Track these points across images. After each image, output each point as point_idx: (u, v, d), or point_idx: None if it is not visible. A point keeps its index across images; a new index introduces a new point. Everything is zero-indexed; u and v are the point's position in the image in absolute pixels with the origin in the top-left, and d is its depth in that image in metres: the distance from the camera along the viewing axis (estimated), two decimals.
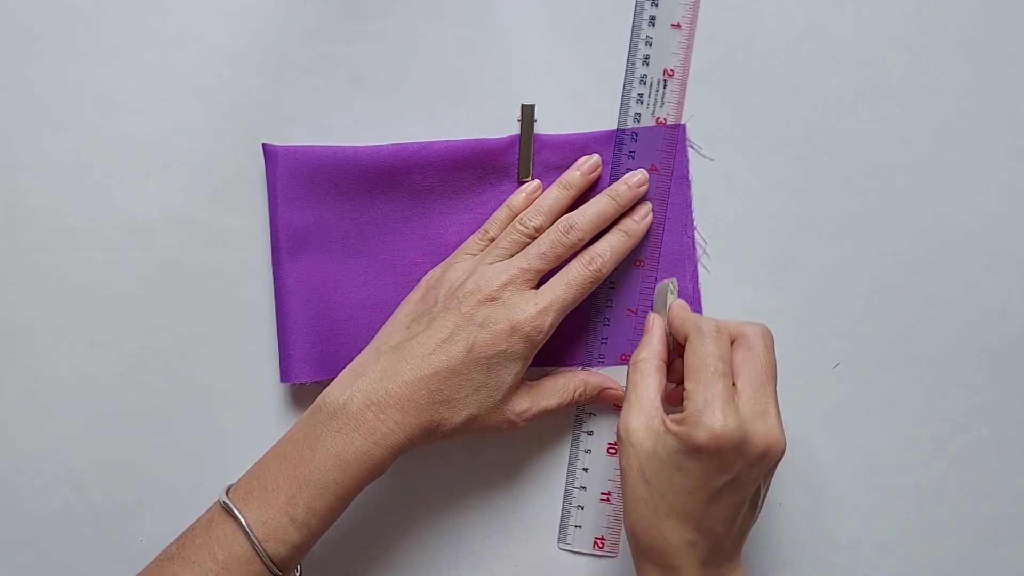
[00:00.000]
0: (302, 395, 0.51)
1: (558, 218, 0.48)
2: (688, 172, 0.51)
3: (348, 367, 0.46)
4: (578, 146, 0.50)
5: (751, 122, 0.51)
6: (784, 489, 0.51)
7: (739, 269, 0.51)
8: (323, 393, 0.45)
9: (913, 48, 0.51)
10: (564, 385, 0.49)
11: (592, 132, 0.50)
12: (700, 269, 0.51)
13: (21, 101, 0.51)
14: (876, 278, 0.51)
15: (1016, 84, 0.51)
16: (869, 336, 0.51)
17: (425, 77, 0.51)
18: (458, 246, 0.50)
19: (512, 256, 0.47)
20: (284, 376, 0.50)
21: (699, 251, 0.51)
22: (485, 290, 0.45)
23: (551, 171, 0.51)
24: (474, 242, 0.49)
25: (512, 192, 0.50)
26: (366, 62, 0.51)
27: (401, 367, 0.44)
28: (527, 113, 0.50)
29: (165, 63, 0.51)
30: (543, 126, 0.51)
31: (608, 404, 0.51)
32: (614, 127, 0.50)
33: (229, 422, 0.51)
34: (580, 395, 0.49)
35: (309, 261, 0.50)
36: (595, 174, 0.50)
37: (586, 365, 0.51)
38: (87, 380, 0.51)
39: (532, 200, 0.49)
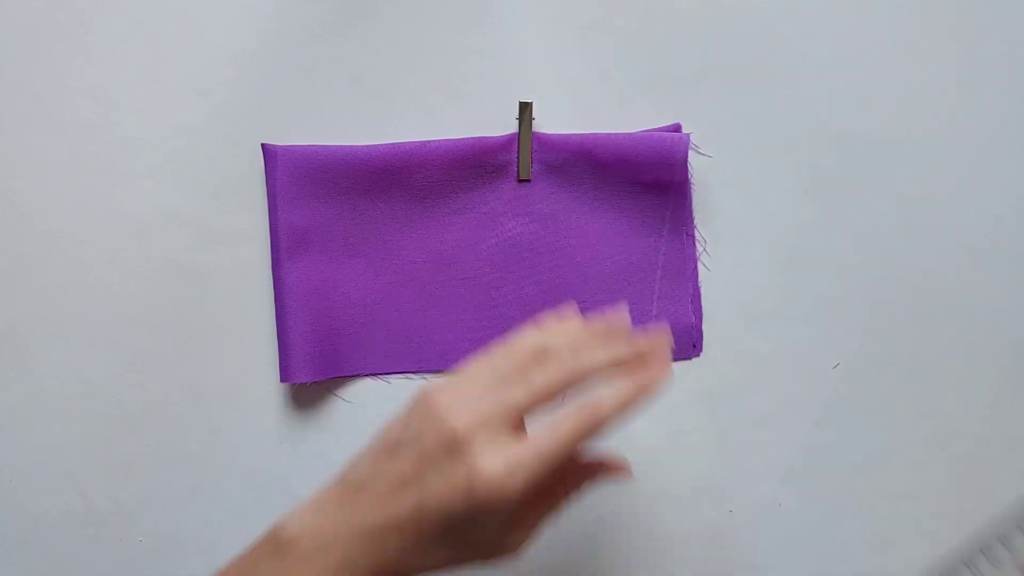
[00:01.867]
0: (301, 395, 0.51)
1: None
2: (688, 172, 0.51)
3: (313, 496, 0.40)
4: (578, 147, 0.50)
5: (751, 122, 0.51)
6: (784, 489, 0.51)
7: (739, 269, 0.51)
8: (281, 520, 0.39)
9: (913, 48, 0.51)
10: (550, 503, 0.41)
11: (592, 133, 0.50)
12: (700, 268, 0.51)
13: (21, 101, 0.51)
14: (876, 278, 0.51)
15: (1016, 84, 0.51)
16: (869, 336, 0.51)
17: (425, 76, 0.51)
18: (457, 246, 0.50)
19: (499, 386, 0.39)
20: (283, 376, 0.50)
21: (699, 251, 0.51)
22: (455, 431, 0.37)
23: (551, 171, 0.51)
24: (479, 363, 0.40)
25: (512, 191, 0.50)
26: (366, 61, 0.51)
27: (356, 511, 0.38)
28: (525, 110, 0.50)
29: (165, 63, 0.51)
30: (544, 126, 0.51)
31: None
32: (614, 128, 0.50)
33: (229, 422, 0.51)
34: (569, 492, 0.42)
35: (309, 261, 0.50)
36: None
37: None
38: (87, 380, 0.51)
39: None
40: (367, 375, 0.51)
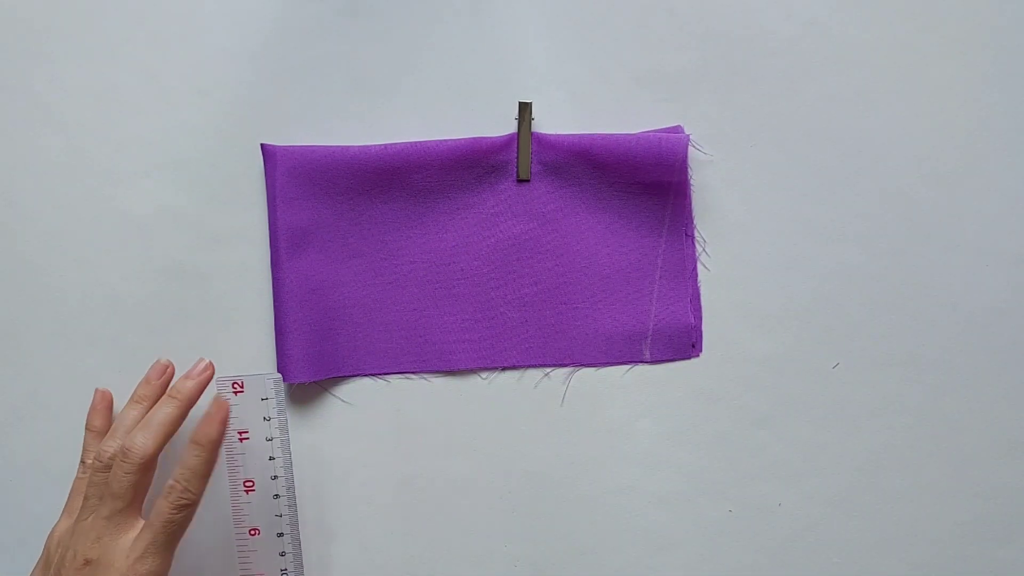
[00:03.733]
0: (300, 395, 0.51)
1: None
2: (688, 174, 0.51)
3: None
4: (577, 147, 0.50)
5: (751, 122, 0.51)
6: (784, 489, 0.51)
7: (739, 269, 0.51)
8: None
9: (913, 48, 0.51)
10: None
11: (592, 134, 0.50)
12: (700, 269, 0.51)
13: (21, 101, 0.51)
14: (876, 278, 0.51)
15: (1016, 84, 0.51)
16: (869, 336, 0.51)
17: (425, 76, 0.51)
18: (457, 246, 0.50)
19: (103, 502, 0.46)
20: (282, 376, 0.50)
21: (699, 250, 0.51)
22: (80, 555, 0.44)
23: (550, 172, 0.51)
24: (78, 480, 0.48)
25: (512, 191, 0.50)
26: (366, 61, 0.51)
27: None
28: (525, 110, 0.50)
29: (165, 63, 0.51)
30: (543, 125, 0.51)
31: None
32: (614, 128, 0.50)
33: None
34: None
35: (308, 261, 0.50)
36: (162, 379, 0.49)
37: None
38: (87, 380, 0.51)
39: (105, 415, 0.49)
40: (366, 375, 0.51)
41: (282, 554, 0.49)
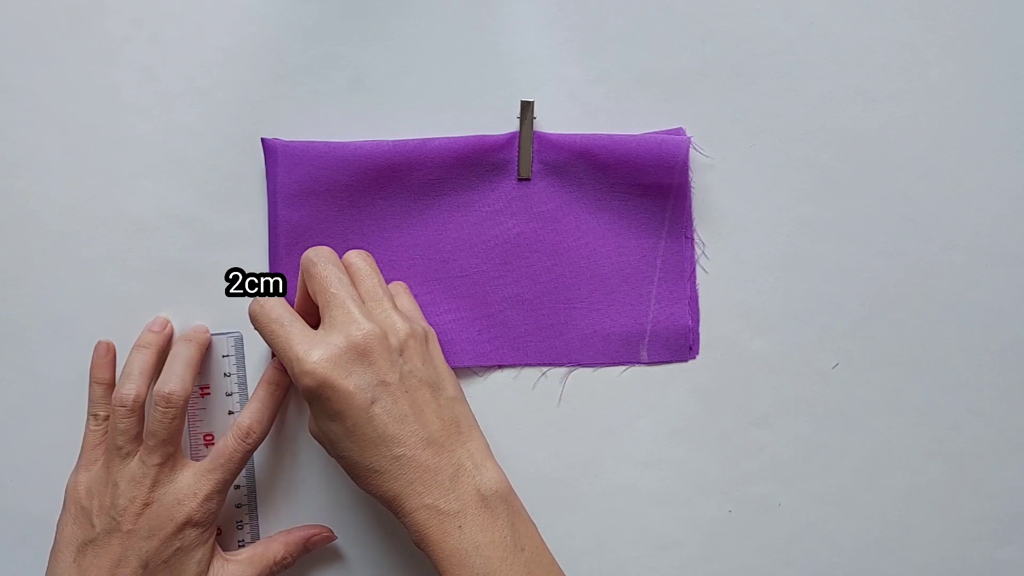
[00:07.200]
0: (298, 391, 0.51)
1: (151, 377, 0.48)
2: (688, 175, 0.51)
3: None
4: (578, 147, 0.50)
5: (751, 122, 0.51)
6: (784, 489, 0.51)
7: (739, 269, 0.51)
8: None
9: (913, 48, 0.51)
10: (262, 556, 0.48)
11: (593, 134, 0.50)
12: (699, 271, 0.51)
13: (21, 101, 0.51)
14: (876, 278, 0.51)
15: (1016, 84, 0.51)
16: (869, 336, 0.51)
17: (425, 77, 0.51)
18: (457, 244, 0.50)
19: (136, 441, 0.46)
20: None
21: (698, 253, 0.51)
22: (137, 501, 0.45)
23: (551, 171, 0.51)
24: (91, 433, 0.48)
25: (512, 190, 0.50)
26: (366, 62, 0.51)
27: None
28: (527, 109, 0.50)
29: (165, 63, 0.51)
30: (544, 125, 0.51)
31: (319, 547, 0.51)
32: (614, 128, 0.50)
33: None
34: (283, 560, 0.49)
35: None
36: (165, 331, 0.50)
37: None
38: (87, 380, 0.51)
39: (111, 367, 0.50)
40: None
41: (238, 506, 0.51)
